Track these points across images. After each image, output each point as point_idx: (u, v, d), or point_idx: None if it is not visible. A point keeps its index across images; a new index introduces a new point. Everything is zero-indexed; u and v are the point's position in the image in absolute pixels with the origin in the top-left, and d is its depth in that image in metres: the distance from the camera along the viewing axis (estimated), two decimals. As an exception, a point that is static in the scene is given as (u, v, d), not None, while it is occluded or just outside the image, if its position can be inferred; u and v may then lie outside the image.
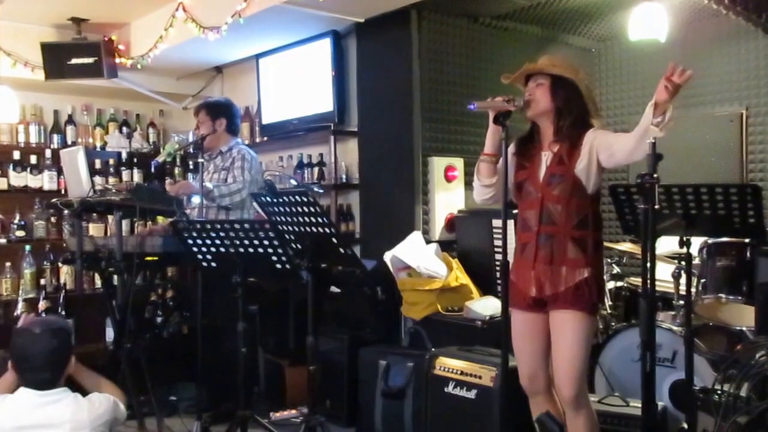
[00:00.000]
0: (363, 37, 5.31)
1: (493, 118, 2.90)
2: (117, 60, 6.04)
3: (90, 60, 5.90)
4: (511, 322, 3.06)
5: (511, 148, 3.08)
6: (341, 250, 3.35)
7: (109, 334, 5.30)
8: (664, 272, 4.32)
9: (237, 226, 3.64)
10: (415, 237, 4.72)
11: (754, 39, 4.86)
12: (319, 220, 3.29)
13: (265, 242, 3.62)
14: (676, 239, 3.23)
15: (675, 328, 3.69)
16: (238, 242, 3.67)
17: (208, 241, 3.76)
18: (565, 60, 3.11)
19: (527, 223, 3.01)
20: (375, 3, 4.77)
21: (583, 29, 5.74)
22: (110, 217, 5.49)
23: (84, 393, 3.00)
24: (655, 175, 2.33)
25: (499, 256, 3.93)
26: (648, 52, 5.32)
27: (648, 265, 2.27)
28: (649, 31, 4.89)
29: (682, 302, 3.75)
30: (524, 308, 3.02)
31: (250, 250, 3.67)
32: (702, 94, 5.44)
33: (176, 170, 6.52)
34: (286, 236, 3.58)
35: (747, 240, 3.59)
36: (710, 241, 3.75)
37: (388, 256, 4.58)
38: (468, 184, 5.10)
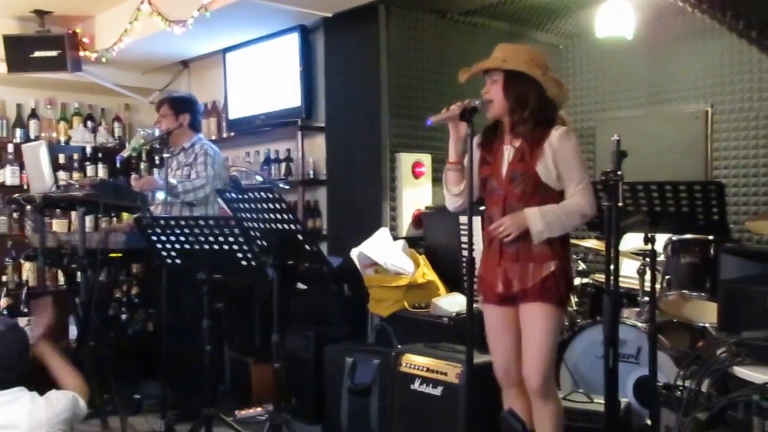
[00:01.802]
0: (331, 32, 5.26)
1: (459, 114, 2.86)
2: (81, 53, 5.94)
3: (53, 53, 5.79)
4: (483, 317, 3.08)
5: (476, 139, 3.04)
6: (307, 248, 3.30)
7: (73, 331, 5.20)
8: (629, 269, 4.34)
9: (202, 222, 3.58)
10: (383, 233, 4.70)
11: (719, 37, 4.88)
12: (285, 216, 3.24)
13: (231, 239, 3.57)
14: (641, 236, 3.24)
15: (639, 324, 3.70)
16: (203, 239, 3.62)
17: (173, 238, 3.70)
18: (519, 50, 2.97)
19: (492, 219, 3.00)
20: (343, -2, 4.73)
21: (551, 26, 5.74)
22: (74, 213, 5.39)
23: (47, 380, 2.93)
24: (619, 173, 2.31)
25: (466, 252, 3.92)
26: (615, 48, 5.33)
27: (612, 263, 2.26)
28: (616, 28, 4.90)
29: (646, 299, 3.77)
30: (495, 302, 3.02)
31: (216, 246, 3.61)
32: (668, 91, 5.46)
33: (142, 165, 6.42)
34: (252, 233, 3.53)
35: (711, 237, 3.61)
36: (674, 238, 3.77)
37: (355, 253, 4.55)
38: (436, 181, 5.08)
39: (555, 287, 2.88)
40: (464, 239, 4.45)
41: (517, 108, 2.90)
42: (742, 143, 5.04)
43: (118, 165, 5.91)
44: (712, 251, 3.62)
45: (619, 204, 2.28)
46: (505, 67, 2.89)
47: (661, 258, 3.81)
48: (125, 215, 5.57)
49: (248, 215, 3.47)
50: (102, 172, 6.18)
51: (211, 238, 3.59)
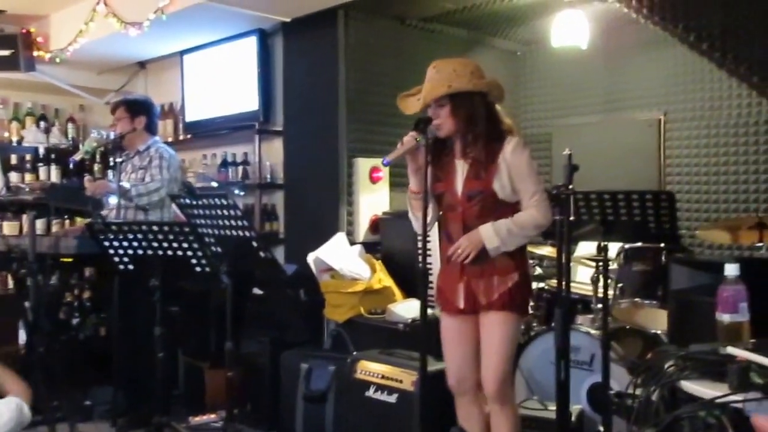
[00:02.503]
0: (289, 35, 5.21)
1: (414, 125, 2.83)
2: (35, 53, 5.80)
3: (6, 52, 5.67)
4: (440, 325, 3.06)
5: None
6: (262, 254, 3.26)
7: (22, 336, 5.06)
8: (583, 275, 4.37)
9: (156, 227, 3.52)
10: (339, 238, 4.66)
11: (672, 46, 4.92)
12: (240, 223, 3.19)
13: (185, 245, 3.52)
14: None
15: (593, 331, 3.71)
16: (156, 244, 3.56)
17: (126, 243, 3.64)
18: (457, 67, 2.86)
19: (451, 236, 2.97)
20: (301, 3, 4.68)
21: (509, 32, 5.76)
22: (25, 216, 5.25)
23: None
24: (570, 187, 2.31)
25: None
26: (572, 56, 5.37)
27: (563, 278, 2.26)
28: (571, 37, 4.92)
29: (599, 306, 3.79)
30: (454, 313, 2.99)
31: (169, 252, 3.56)
32: (622, 99, 5.53)
33: (96, 167, 6.28)
34: (206, 239, 3.47)
35: (662, 245, 3.64)
36: (627, 246, 3.80)
37: (311, 258, 4.50)
38: (393, 186, 5.07)
39: (519, 296, 2.90)
40: (422, 245, 4.44)
41: (468, 127, 2.87)
42: (694, 151, 5.12)
43: (71, 167, 5.77)
44: (663, 259, 3.66)
45: (571, 218, 2.27)
46: (453, 91, 2.83)
47: (614, 266, 3.84)
48: (79, 219, 5.46)
49: (203, 221, 3.42)
50: (55, 173, 6.02)
51: (165, 244, 3.53)
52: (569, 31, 4.89)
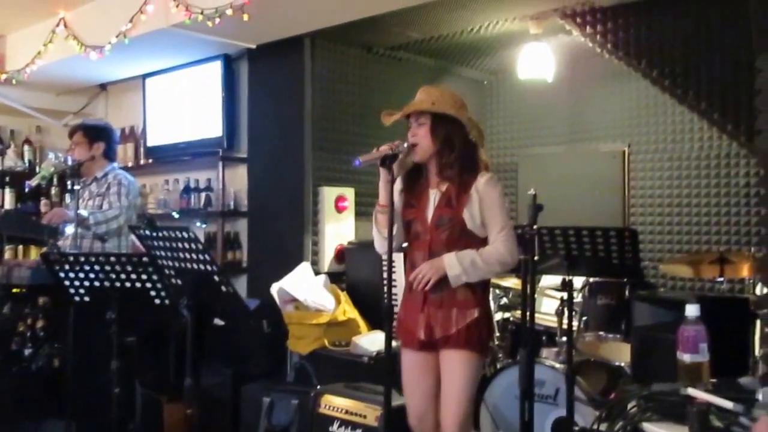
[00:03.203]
0: (255, 61, 5.24)
1: (380, 161, 2.87)
2: (-10, 73, 5.75)
3: (-40, 72, 5.60)
4: (401, 361, 3.06)
5: (398, 185, 3.02)
6: (223, 289, 3.25)
7: (-28, 368, 4.96)
8: (548, 305, 4.44)
9: (113, 259, 3.49)
10: (304, 268, 4.67)
11: (636, 80, 5.05)
12: (201, 257, 3.19)
13: (144, 276, 3.49)
14: (561, 270, 3.33)
15: (557, 365, 3.77)
16: (114, 276, 3.52)
17: (82, 274, 3.59)
18: (444, 93, 2.97)
19: (415, 264, 3.00)
20: (267, 30, 4.72)
21: (476, 62, 5.87)
22: (-24, 243, 5.17)
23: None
24: (535, 227, 2.37)
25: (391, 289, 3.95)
26: (538, 86, 5.47)
27: (528, 318, 2.31)
28: (537, 70, 5.03)
29: (564, 339, 3.85)
30: (415, 348, 3.00)
31: (127, 284, 3.52)
32: (587, 130, 5.66)
33: (53, 191, 6.22)
34: (166, 271, 3.45)
35: (625, 280, 3.72)
36: (591, 279, 3.87)
37: (275, 288, 4.51)
38: (359, 215, 5.10)
39: (478, 334, 2.90)
40: (386, 265, 4.47)
41: (444, 150, 2.91)
42: (658, 183, 5.25)
43: (26, 191, 5.70)
44: (627, 294, 3.74)
45: (536, 258, 2.32)
46: (435, 110, 2.90)
47: (579, 299, 3.92)
48: (33, 250, 5.39)
49: (162, 253, 3.39)
50: (9, 197, 5.96)
51: (123, 276, 3.49)
52: (535, 63, 5.01)
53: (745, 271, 3.96)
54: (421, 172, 3.04)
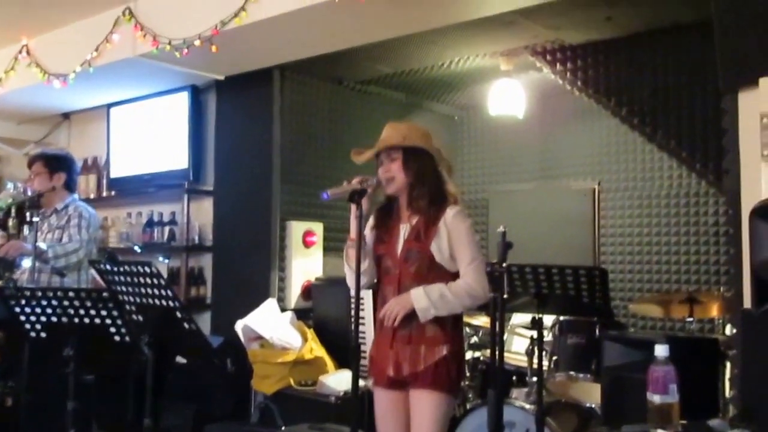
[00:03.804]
0: (223, 93, 5.26)
1: (348, 197, 2.88)
2: (-52, 100, 5.68)
3: None
4: (374, 399, 3.05)
5: (370, 222, 3.07)
6: (186, 326, 3.21)
7: None
8: (519, 345, 4.45)
9: (72, 294, 3.44)
10: (270, 304, 4.64)
11: (606, 117, 5.12)
12: (163, 293, 3.15)
13: (103, 312, 3.43)
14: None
15: (527, 406, 3.76)
16: (72, 311, 3.46)
17: (39, 310, 3.52)
18: (411, 128, 3.04)
19: (387, 300, 3.00)
20: (236, 61, 4.74)
21: (446, 97, 5.94)
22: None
23: None
24: (504, 264, 2.39)
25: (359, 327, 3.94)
26: (509, 122, 5.55)
27: (498, 360, 2.31)
28: (508, 107, 5.11)
29: (535, 378, 3.86)
30: (386, 386, 2.99)
31: (86, 320, 3.47)
32: (558, 167, 5.74)
33: (10, 222, 6.12)
34: (127, 307, 3.41)
35: (596, 319, 3.75)
36: (562, 318, 3.90)
37: (239, 325, 4.46)
38: (327, 250, 5.09)
39: (446, 373, 2.89)
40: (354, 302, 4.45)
41: (416, 184, 2.96)
42: (628, 221, 5.33)
43: (-18, 222, 5.63)
44: (597, 333, 3.77)
45: (505, 296, 2.34)
46: (406, 144, 2.95)
47: (549, 338, 3.93)
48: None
49: (123, 288, 3.36)
50: (-35, 228, 5.85)
51: (81, 311, 3.43)
52: (506, 99, 5.08)
53: (714, 311, 4.02)
54: (391, 209, 3.08)
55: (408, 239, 2.97)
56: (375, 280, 3.10)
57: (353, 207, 2.92)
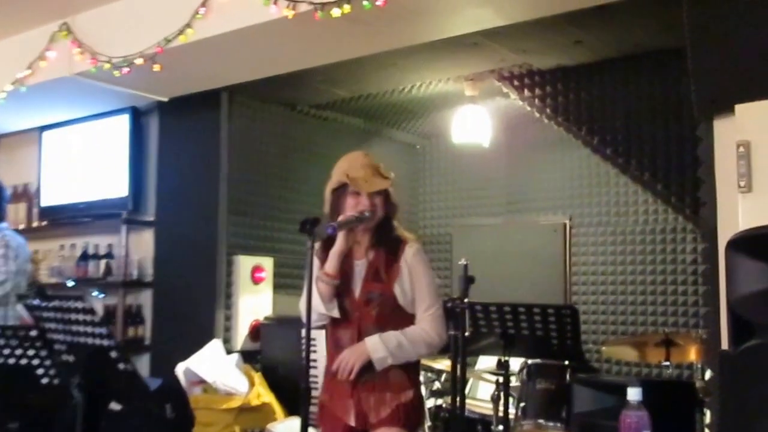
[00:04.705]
0: (166, 116, 5.24)
1: (300, 226, 2.84)
2: None
3: None
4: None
5: (318, 254, 2.98)
6: (120, 367, 3.16)
7: None
8: (484, 391, 4.44)
9: (-6, 332, 3.37)
10: (214, 346, 4.60)
11: (577, 147, 5.19)
12: (97, 330, 3.10)
13: (30, 352, 3.38)
14: (497, 355, 3.34)
15: (494, 457, 3.76)
16: (-6, 351, 3.39)
17: (-43, 350, 3.45)
18: (374, 159, 3.06)
19: (341, 344, 2.96)
20: (181, 82, 4.74)
21: (408, 125, 5.99)
22: None
23: None
24: (466, 300, 2.39)
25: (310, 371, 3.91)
26: (474, 152, 5.60)
27: (458, 407, 2.30)
28: (473, 135, 5.15)
29: (501, 427, 3.85)
30: None
31: (11, 360, 3.40)
32: (527, 200, 5.78)
33: (-70, 255, 5.99)
34: (56, 346, 3.35)
35: (566, 362, 3.76)
36: (530, 361, 3.89)
37: (181, 369, 4.41)
38: (277, 287, 5.06)
39: (413, 415, 2.90)
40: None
41: (388, 219, 2.98)
42: (601, 258, 5.38)
43: None
44: (568, 377, 3.77)
45: (467, 333, 2.34)
46: (387, 185, 2.97)
47: (516, 383, 3.92)
48: None
49: (53, 325, 3.30)
50: None
51: (6, 351, 3.38)
52: (471, 127, 5.13)
53: (692, 355, 4.04)
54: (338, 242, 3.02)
55: (366, 279, 2.94)
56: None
57: (339, 241, 2.88)
